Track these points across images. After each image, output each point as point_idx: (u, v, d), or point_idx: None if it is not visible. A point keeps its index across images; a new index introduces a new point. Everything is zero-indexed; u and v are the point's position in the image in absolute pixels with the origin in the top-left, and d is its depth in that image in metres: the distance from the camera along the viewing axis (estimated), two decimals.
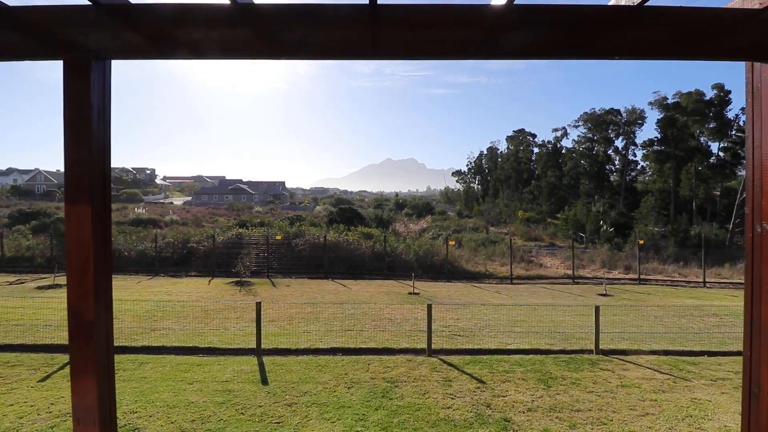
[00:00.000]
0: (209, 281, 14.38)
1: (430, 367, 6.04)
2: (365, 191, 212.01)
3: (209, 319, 8.81)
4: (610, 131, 39.77)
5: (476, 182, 72.05)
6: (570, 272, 18.97)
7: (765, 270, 2.13)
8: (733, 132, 31.92)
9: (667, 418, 4.34)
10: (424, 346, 7.10)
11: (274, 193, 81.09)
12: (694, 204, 33.21)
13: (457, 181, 77.66)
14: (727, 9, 1.79)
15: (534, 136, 56.79)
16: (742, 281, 15.71)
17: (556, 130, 49.69)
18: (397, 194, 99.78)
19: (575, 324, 9.23)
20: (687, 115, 31.62)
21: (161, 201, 66.60)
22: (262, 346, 6.72)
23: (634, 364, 6.26)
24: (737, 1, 1.81)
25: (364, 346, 7.07)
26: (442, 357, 6.59)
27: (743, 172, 36.22)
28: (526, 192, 52.20)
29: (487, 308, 10.76)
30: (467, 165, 74.34)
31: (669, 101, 33.06)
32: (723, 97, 30.43)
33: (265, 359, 6.35)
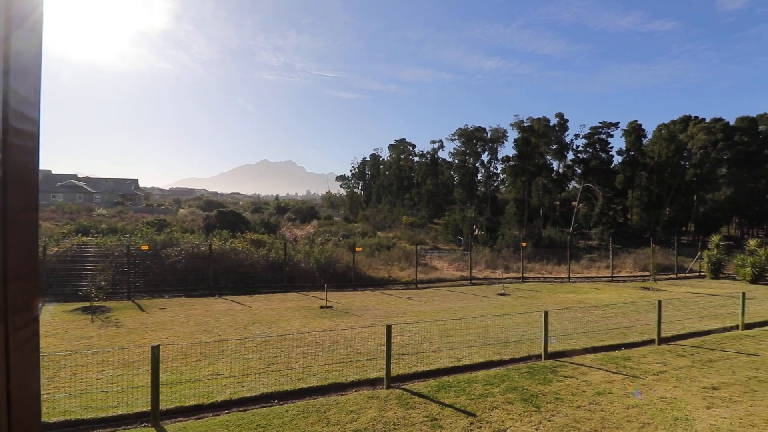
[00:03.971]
0: (39, 308, 10.34)
1: (401, 402, 4.98)
2: (239, 193, 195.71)
3: (52, 370, 5.95)
4: (478, 146, 45.08)
5: (359, 187, 73.32)
6: (463, 274, 20.11)
7: None
8: (570, 154, 39.62)
9: (662, 423, 4.25)
10: (377, 374, 5.99)
11: (123, 192, 67.60)
12: (541, 211, 39.89)
13: (341, 186, 77.68)
14: None
15: (413, 146, 60.60)
16: (592, 276, 18.65)
17: (434, 141, 53.95)
18: (276, 197, 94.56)
19: (502, 326, 9.32)
20: (538, 137, 37.96)
21: None
22: (160, 407, 4.63)
23: (584, 365, 6.36)
24: None
25: (305, 386, 5.56)
26: (405, 386, 5.59)
27: (574, 185, 45.14)
28: (407, 198, 55.20)
29: (412, 318, 10.20)
30: (351, 170, 75.08)
31: (525, 124, 39.27)
32: (563, 124, 37.56)
33: (170, 429, 4.34)
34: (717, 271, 20.85)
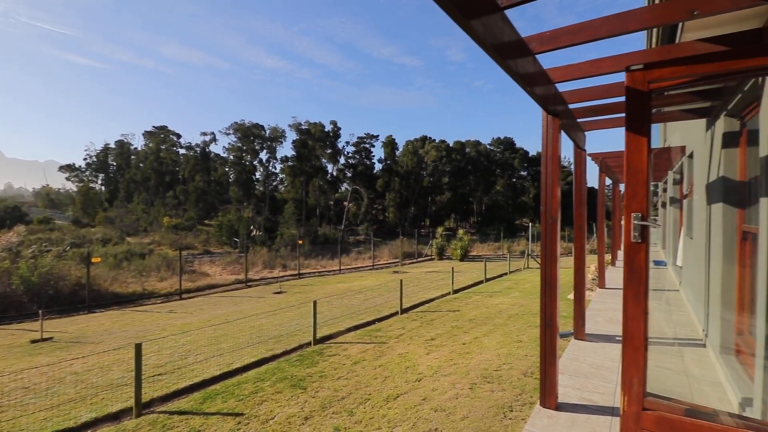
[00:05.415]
0: None
1: (155, 427, 4.28)
2: None
3: None
4: (256, 144, 43.92)
5: (99, 182, 58.00)
6: (238, 277, 19.20)
7: (553, 246, 3.08)
8: (342, 158, 44.08)
9: (398, 372, 5.32)
10: (123, 405, 4.97)
11: None
12: (317, 210, 42.73)
13: (68, 179, 59.10)
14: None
15: (179, 136, 53.12)
16: (358, 266, 21.53)
17: (205, 134, 48.84)
18: None
19: (276, 323, 9.43)
20: (314, 141, 40.49)
21: None
22: None
23: (346, 343, 7.21)
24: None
25: None
26: (162, 409, 4.84)
27: (345, 187, 50.39)
28: (170, 196, 47.88)
29: (174, 333, 8.98)
30: (86, 159, 58.39)
31: (303, 127, 41.12)
32: (336, 131, 41.49)
33: None
34: (441, 254, 27.82)
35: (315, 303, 7.56)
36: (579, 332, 4.86)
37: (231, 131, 44.76)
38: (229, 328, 9.12)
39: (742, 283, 3.47)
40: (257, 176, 46.71)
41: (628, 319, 2.19)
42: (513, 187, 55.23)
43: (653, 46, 3.50)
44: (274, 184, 47.41)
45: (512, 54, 2.13)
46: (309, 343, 7.37)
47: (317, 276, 20.28)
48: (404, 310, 9.97)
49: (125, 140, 58.04)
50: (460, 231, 31.59)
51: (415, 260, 27.24)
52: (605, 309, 6.48)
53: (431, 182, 50.19)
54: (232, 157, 45.21)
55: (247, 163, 45.10)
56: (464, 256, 25.96)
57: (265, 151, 46.01)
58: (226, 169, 44.62)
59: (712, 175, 4.21)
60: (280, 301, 13.21)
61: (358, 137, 48.76)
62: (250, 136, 44.23)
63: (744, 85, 3.15)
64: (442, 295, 12.30)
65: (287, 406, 4.56)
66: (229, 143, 45.99)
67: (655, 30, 3.29)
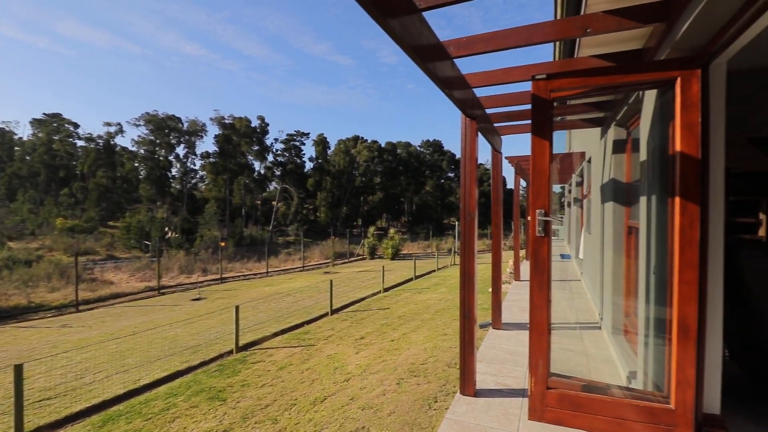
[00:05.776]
0: None
1: None
2: None
3: None
4: (172, 137, 40.14)
5: None
6: (150, 284, 17.46)
7: (471, 241, 3.21)
8: (270, 156, 42.09)
9: (326, 374, 5.21)
10: None
11: None
12: (243, 210, 40.44)
13: None
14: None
15: (76, 125, 46.62)
16: (288, 268, 20.89)
17: (109, 124, 43.46)
18: None
19: (194, 332, 8.72)
20: (240, 137, 38.16)
21: None
22: None
23: (272, 348, 6.90)
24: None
25: None
26: None
27: (274, 186, 48.41)
28: (65, 194, 41.84)
29: (67, 350, 7.85)
30: None
31: (227, 121, 38.46)
32: (264, 127, 39.49)
33: None
34: (373, 253, 28.08)
35: (237, 308, 7.13)
36: (496, 322, 5.20)
37: (142, 122, 40.38)
38: (136, 341, 8.21)
39: (628, 271, 3.99)
40: (173, 173, 42.85)
41: (534, 308, 2.37)
42: (442, 187, 57.82)
43: (557, 58, 3.86)
44: (194, 181, 43.83)
45: (431, 57, 2.18)
46: (231, 352, 6.92)
47: (242, 280, 19.22)
48: (334, 311, 9.86)
49: (6, 128, 49.44)
50: (392, 230, 32.26)
51: (346, 260, 27.16)
52: (520, 300, 7.04)
53: (363, 182, 50.51)
54: (143, 151, 40.82)
55: (161, 158, 41.07)
56: (395, 255, 26.52)
57: (182, 145, 42.32)
58: (136, 165, 40.18)
59: (605, 178, 4.78)
60: (199, 308, 12.26)
61: (288, 134, 47.23)
62: (165, 128, 40.34)
63: (629, 98, 3.61)
64: (373, 294, 12.41)
65: (203, 421, 4.21)
66: (139, 135, 41.40)
67: (559, 44, 3.63)
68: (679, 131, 2.08)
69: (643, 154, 2.96)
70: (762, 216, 4.15)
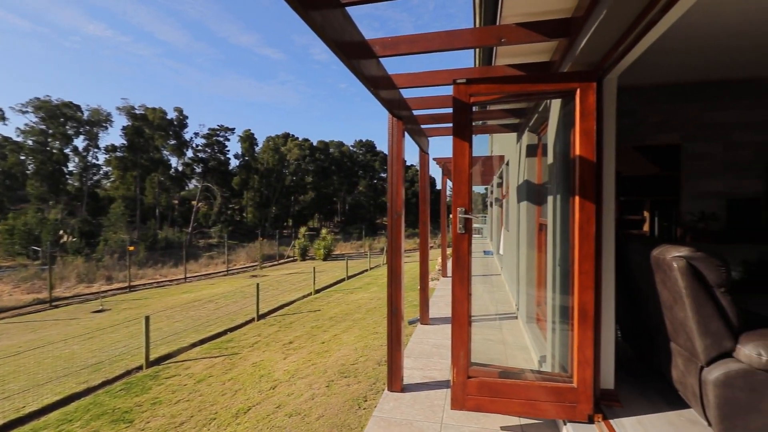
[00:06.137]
0: None
1: None
2: None
3: None
4: (69, 128, 35.02)
5: None
6: (39, 296, 15.12)
7: (398, 239, 3.23)
8: (190, 152, 38.68)
9: (250, 383, 4.93)
10: None
11: None
12: (157, 210, 36.77)
13: None
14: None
15: None
16: (210, 272, 19.53)
17: None
18: None
19: (95, 349, 7.71)
20: (153, 129, 34.50)
21: None
22: None
23: (189, 360, 6.36)
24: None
25: None
26: None
27: (195, 184, 44.80)
28: None
29: None
30: None
31: (137, 111, 34.47)
32: (182, 120, 36.13)
33: None
34: (304, 255, 27.37)
35: (147, 318, 6.45)
36: (424, 317, 5.36)
37: (30, 109, 34.68)
38: (21, 363, 7.03)
39: (539, 264, 4.36)
40: (70, 168, 37.54)
41: (455, 301, 2.46)
42: (374, 188, 58.41)
43: (477, 65, 4.09)
44: (96, 178, 38.76)
45: (356, 54, 2.15)
46: (140, 367, 6.24)
47: (155, 287, 17.49)
48: (261, 316, 9.41)
49: None
50: (324, 230, 31.75)
51: (276, 262, 26.15)
52: (446, 295, 7.35)
53: (294, 181, 49.05)
54: (30, 142, 35.11)
55: (54, 150, 35.68)
56: (327, 256, 26.17)
57: (82, 137, 37.21)
58: (22, 158, 34.40)
59: (520, 179, 5.18)
60: (102, 321, 10.89)
61: (211, 129, 44.00)
62: (60, 117, 35.10)
63: (539, 106, 3.95)
64: (304, 296, 12.09)
65: None
66: (26, 124, 35.47)
67: (479, 51, 3.84)
68: (578, 137, 2.30)
69: (550, 158, 3.25)
70: (646, 214, 4.82)
